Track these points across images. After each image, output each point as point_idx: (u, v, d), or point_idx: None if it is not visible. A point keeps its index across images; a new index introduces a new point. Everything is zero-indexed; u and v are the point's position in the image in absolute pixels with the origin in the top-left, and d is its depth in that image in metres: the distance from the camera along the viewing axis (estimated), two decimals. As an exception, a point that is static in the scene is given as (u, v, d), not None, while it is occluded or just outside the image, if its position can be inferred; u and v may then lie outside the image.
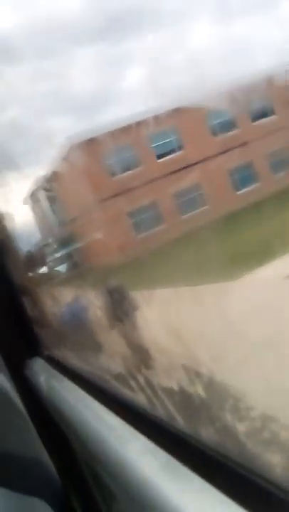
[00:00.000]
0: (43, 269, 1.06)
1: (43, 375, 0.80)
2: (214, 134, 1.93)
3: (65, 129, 0.90)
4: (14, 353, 0.92)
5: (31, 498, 0.61)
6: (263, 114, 2.12)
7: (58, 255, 0.95)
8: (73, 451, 0.93)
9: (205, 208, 1.74)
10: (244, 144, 1.93)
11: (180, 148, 1.60)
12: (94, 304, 0.93)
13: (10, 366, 0.94)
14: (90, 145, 0.99)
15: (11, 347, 0.93)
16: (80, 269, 0.97)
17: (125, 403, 0.50)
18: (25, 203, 0.84)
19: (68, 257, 0.96)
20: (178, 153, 1.47)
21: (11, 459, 0.94)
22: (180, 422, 0.50)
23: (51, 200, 0.93)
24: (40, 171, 0.84)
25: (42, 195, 0.88)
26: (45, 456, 1.05)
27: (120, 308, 0.87)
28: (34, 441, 1.14)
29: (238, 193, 2.01)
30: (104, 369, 0.81)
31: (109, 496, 0.86)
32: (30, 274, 1.00)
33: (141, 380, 0.61)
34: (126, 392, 0.62)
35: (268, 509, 0.24)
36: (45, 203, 0.92)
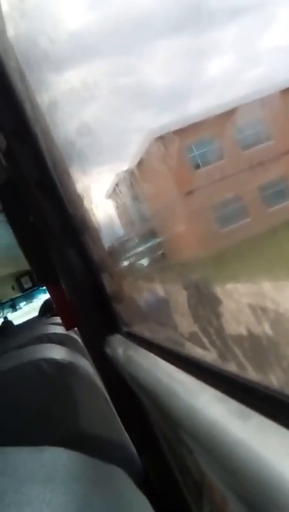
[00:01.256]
0: (124, 263, 1.33)
1: (121, 348, 0.85)
2: None
3: (146, 123, 0.99)
4: (95, 331, 1.02)
5: (110, 466, 0.65)
6: None
7: (139, 249, 1.10)
8: (147, 418, 1.02)
9: None
10: None
11: (267, 138, 1.42)
12: (174, 294, 1.02)
13: (91, 344, 1.11)
14: (173, 138, 1.01)
15: (92, 326, 1.04)
16: (161, 263, 1.10)
17: (195, 361, 0.53)
18: (107, 197, 0.98)
19: (150, 251, 1.09)
20: (265, 144, 1.33)
21: (92, 430, 1.14)
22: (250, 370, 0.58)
23: (133, 194, 1.01)
24: (122, 165, 1.00)
25: (124, 190, 0.97)
26: (120, 426, 1.21)
27: (201, 301, 0.93)
28: (112, 416, 1.59)
29: None
30: (178, 340, 0.89)
31: (180, 459, 1.00)
32: (113, 266, 1.13)
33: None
34: (197, 352, 0.70)
35: None
36: (127, 198, 1.01)
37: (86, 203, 0.97)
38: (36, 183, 0.94)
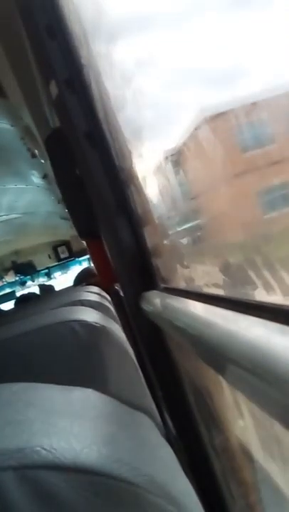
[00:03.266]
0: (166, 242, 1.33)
1: (158, 300, 0.85)
2: None
3: (197, 101, 0.96)
4: (134, 287, 1.02)
5: (138, 412, 0.65)
6: None
7: (181, 228, 1.08)
8: (179, 380, 1.03)
9: None
10: None
11: None
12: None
13: (129, 300, 1.08)
14: (223, 119, 0.98)
15: (131, 282, 1.04)
16: (201, 244, 1.09)
17: (230, 298, 0.53)
18: (153, 174, 0.96)
19: (191, 232, 1.07)
20: None
21: (120, 395, 1.04)
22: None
23: (179, 173, 0.99)
24: (170, 143, 0.99)
25: (170, 168, 0.95)
26: (148, 394, 1.26)
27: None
28: (140, 382, 1.61)
29: None
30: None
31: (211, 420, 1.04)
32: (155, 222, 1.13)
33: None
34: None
35: None
36: (172, 176, 0.99)
37: (134, 157, 0.95)
38: (85, 134, 0.93)
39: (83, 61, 0.89)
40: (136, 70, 0.94)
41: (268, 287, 0.76)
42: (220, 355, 0.41)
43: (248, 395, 0.39)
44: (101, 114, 0.92)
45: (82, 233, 1.14)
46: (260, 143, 1.07)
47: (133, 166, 0.97)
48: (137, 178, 0.97)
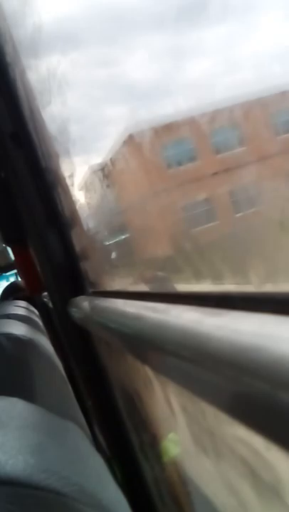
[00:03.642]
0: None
1: (86, 303, 0.82)
2: (278, 133, 1.59)
3: (122, 118, 0.94)
4: (62, 293, 0.99)
5: (66, 421, 0.64)
6: None
7: (107, 243, 1.07)
8: (107, 377, 1.01)
9: (260, 208, 1.59)
10: None
11: (240, 144, 1.42)
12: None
13: (57, 307, 1.04)
14: (148, 136, 0.98)
15: (59, 288, 1.00)
16: (128, 258, 1.08)
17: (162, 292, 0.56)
18: (80, 189, 0.94)
19: (118, 246, 1.06)
20: (238, 150, 1.33)
21: (48, 408, 1.32)
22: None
23: (105, 188, 0.98)
24: (95, 158, 0.96)
25: (97, 183, 0.94)
26: (77, 407, 1.29)
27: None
28: (69, 395, 1.56)
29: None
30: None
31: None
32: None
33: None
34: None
35: None
36: (99, 191, 0.98)
37: (61, 161, 0.93)
38: (11, 135, 0.90)
39: (8, 59, 0.87)
40: (60, 85, 0.94)
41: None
42: (153, 348, 0.40)
43: (184, 383, 0.37)
44: (27, 113, 0.89)
45: (9, 240, 1.10)
46: (183, 159, 1.10)
47: (60, 167, 0.95)
48: (64, 180, 0.95)
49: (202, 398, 0.32)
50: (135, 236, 1.22)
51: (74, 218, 0.96)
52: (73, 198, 0.99)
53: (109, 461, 0.89)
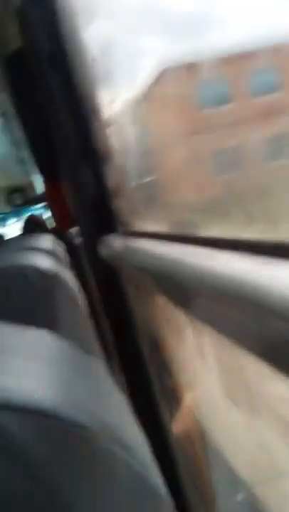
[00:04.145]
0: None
1: (119, 243, 0.82)
2: None
3: (158, 51, 0.89)
4: (92, 230, 0.99)
5: (92, 357, 0.86)
6: None
7: (139, 182, 1.05)
8: (133, 327, 1.00)
9: None
10: None
11: (280, 89, 1.34)
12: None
13: (87, 244, 1.04)
14: (184, 72, 0.93)
15: (89, 225, 1.01)
16: (158, 200, 1.06)
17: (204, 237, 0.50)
18: (108, 125, 0.91)
19: (147, 188, 1.03)
20: (276, 95, 1.26)
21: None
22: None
23: (136, 124, 0.93)
24: (127, 92, 0.93)
25: (128, 119, 0.90)
26: (98, 345, 1.47)
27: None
28: (90, 332, 1.61)
29: None
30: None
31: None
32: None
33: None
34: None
35: None
36: (129, 127, 0.93)
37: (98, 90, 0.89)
38: (49, 57, 0.86)
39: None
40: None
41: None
42: (196, 294, 0.39)
43: (221, 328, 0.37)
44: (67, 36, 0.85)
45: (43, 169, 1.08)
46: (218, 101, 1.05)
47: (97, 96, 0.91)
48: (100, 111, 0.92)
49: (244, 347, 0.31)
50: (164, 178, 1.19)
51: (108, 153, 0.93)
52: (108, 130, 0.95)
53: (128, 398, 0.91)
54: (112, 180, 0.93)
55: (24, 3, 0.84)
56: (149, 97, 1.03)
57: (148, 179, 1.14)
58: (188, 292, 0.41)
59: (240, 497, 1.04)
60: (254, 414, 0.78)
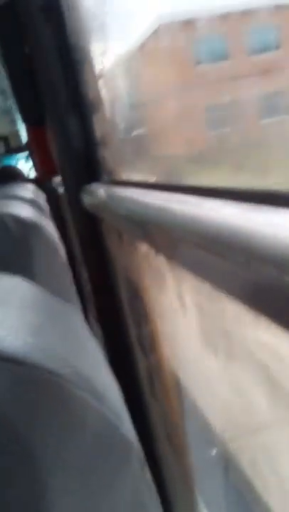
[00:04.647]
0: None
1: (103, 191, 0.81)
2: None
3: (155, 6, 0.86)
4: (76, 178, 0.97)
5: (69, 305, 0.64)
6: None
7: (128, 135, 1.03)
8: (112, 267, 1.02)
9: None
10: None
11: (276, 47, 1.31)
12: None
13: (69, 192, 1.03)
14: (180, 27, 0.91)
15: (73, 173, 0.99)
16: (144, 154, 1.05)
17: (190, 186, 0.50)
18: (99, 76, 0.89)
19: (135, 140, 1.01)
20: (272, 53, 1.24)
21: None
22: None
23: (128, 78, 0.91)
24: (121, 45, 0.91)
25: (120, 72, 0.88)
26: (75, 295, 1.37)
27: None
28: (69, 282, 1.61)
29: None
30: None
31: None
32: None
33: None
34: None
35: None
36: (121, 80, 0.91)
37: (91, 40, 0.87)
38: (41, 7, 0.84)
39: None
40: None
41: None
42: (178, 240, 0.39)
43: (207, 277, 0.37)
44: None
45: (27, 119, 1.06)
46: (215, 57, 1.04)
47: (89, 46, 0.89)
48: (92, 61, 0.90)
49: (224, 291, 0.32)
50: (155, 131, 1.18)
51: (97, 103, 0.92)
52: (99, 82, 0.94)
53: (104, 346, 0.92)
54: (99, 130, 0.92)
55: None
56: (143, 51, 1.01)
57: (137, 131, 1.13)
58: (173, 239, 0.41)
59: (214, 451, 1.08)
60: (233, 362, 0.80)
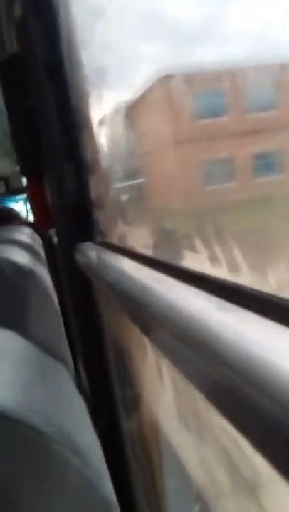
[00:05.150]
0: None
1: (94, 253, 0.82)
2: None
3: (157, 58, 0.89)
4: (70, 235, 0.99)
5: (56, 361, 0.65)
6: None
7: (120, 185, 1.04)
8: (101, 330, 1.01)
9: (282, 176, 1.53)
10: None
11: (275, 107, 1.36)
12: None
13: (62, 248, 1.04)
14: (181, 81, 0.94)
15: (68, 230, 1.00)
16: (139, 205, 1.06)
17: (175, 266, 0.51)
18: (100, 124, 0.91)
19: (130, 190, 1.03)
20: (270, 112, 1.28)
21: (37, 339, 1.34)
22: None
23: (126, 127, 0.93)
24: (122, 95, 0.92)
25: (118, 121, 0.90)
26: (66, 341, 1.40)
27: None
28: (60, 329, 1.59)
29: None
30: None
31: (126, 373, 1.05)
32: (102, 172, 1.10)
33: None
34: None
35: None
36: (119, 129, 0.94)
37: (92, 102, 0.91)
38: (44, 64, 0.88)
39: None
40: (106, 9, 0.90)
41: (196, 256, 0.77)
42: (153, 320, 0.40)
43: (171, 359, 0.38)
44: (64, 46, 0.87)
45: (25, 170, 1.09)
46: (214, 113, 1.06)
47: (89, 108, 0.93)
48: (91, 123, 0.94)
49: (192, 383, 0.33)
50: (150, 185, 1.20)
51: (95, 164, 0.95)
52: (97, 144, 0.97)
53: (89, 406, 0.92)
54: (95, 190, 0.95)
55: (24, 12, 0.86)
56: (142, 103, 1.04)
57: (133, 186, 1.15)
58: (149, 319, 0.42)
59: (196, 508, 1.06)
60: (201, 440, 0.80)
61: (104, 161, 1.04)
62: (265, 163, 0.99)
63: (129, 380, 0.99)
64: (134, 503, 0.95)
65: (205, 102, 1.06)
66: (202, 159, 1.15)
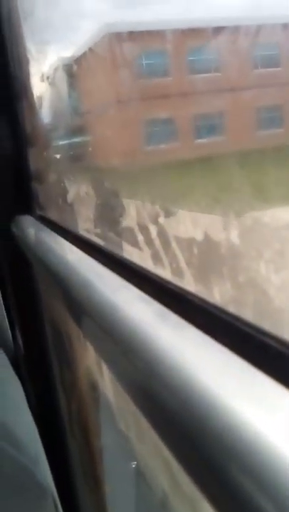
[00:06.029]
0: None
1: (32, 229, 0.81)
2: (257, 65, 1.50)
3: (101, 15, 0.85)
4: (7, 207, 0.95)
5: None
6: None
7: (62, 142, 1.01)
8: (39, 306, 0.99)
9: (223, 137, 1.53)
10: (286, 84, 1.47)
11: (217, 69, 1.35)
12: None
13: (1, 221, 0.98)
14: (127, 38, 0.92)
15: (4, 201, 0.97)
16: (80, 163, 1.04)
17: (117, 259, 0.50)
18: (41, 80, 0.87)
19: (72, 148, 1.01)
20: (212, 75, 1.27)
21: None
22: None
23: (70, 84, 0.91)
24: (65, 51, 0.89)
25: (61, 77, 0.87)
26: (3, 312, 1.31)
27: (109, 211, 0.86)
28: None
29: (262, 132, 1.62)
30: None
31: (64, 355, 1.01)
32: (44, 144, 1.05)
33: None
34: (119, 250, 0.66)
35: (268, 360, 0.24)
36: (62, 86, 0.91)
37: (32, 68, 0.88)
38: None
39: None
40: None
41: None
42: (77, 305, 0.41)
43: (97, 349, 0.39)
44: (4, 14, 0.83)
45: None
46: (156, 72, 1.06)
47: (29, 77, 0.90)
48: (32, 92, 0.91)
49: (117, 379, 0.34)
50: (91, 146, 1.19)
51: (35, 134, 0.93)
52: (38, 113, 0.94)
53: (28, 388, 0.93)
54: (35, 162, 0.93)
55: None
56: (86, 61, 1.02)
57: (75, 146, 1.14)
58: (77, 305, 0.43)
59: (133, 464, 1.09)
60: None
61: (46, 128, 1.02)
62: (207, 125, 1.00)
63: (66, 362, 1.00)
64: (73, 485, 0.98)
65: (149, 62, 1.05)
66: (145, 119, 1.15)
